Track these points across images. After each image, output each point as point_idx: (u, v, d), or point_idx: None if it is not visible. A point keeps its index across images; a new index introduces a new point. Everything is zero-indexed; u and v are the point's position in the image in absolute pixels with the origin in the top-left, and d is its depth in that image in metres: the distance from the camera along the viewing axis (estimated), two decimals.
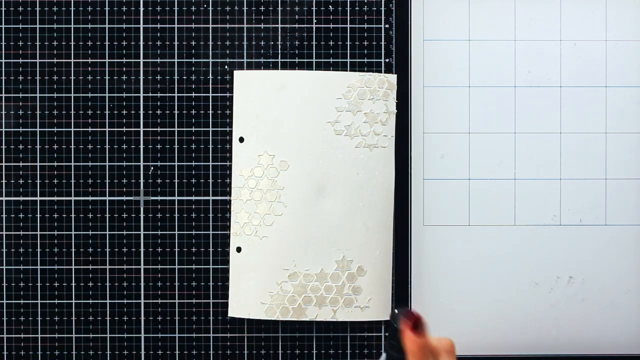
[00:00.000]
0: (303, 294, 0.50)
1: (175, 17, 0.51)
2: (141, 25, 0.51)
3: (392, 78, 0.50)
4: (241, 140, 0.50)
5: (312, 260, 0.50)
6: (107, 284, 0.51)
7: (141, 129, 0.51)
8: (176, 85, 0.51)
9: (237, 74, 0.50)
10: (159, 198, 0.51)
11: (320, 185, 0.50)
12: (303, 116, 0.49)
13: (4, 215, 0.50)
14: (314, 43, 0.51)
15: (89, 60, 0.51)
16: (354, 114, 0.50)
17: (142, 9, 0.51)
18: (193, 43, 0.51)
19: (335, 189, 0.50)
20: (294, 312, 0.50)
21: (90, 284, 0.51)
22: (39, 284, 0.50)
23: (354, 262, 0.50)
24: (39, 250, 0.50)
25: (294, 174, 0.50)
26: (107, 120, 0.51)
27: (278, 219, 0.49)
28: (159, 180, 0.51)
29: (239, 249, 0.50)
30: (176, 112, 0.51)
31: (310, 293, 0.50)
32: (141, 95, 0.51)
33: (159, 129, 0.51)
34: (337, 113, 0.49)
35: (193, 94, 0.51)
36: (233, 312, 0.50)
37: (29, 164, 0.51)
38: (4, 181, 0.51)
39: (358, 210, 0.49)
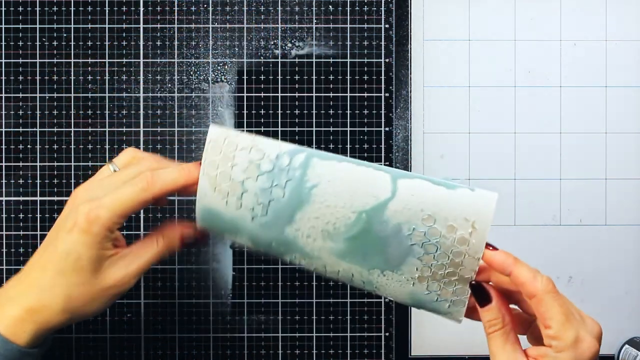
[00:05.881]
0: None
1: (175, 17, 0.51)
2: (141, 25, 0.51)
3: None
4: None
5: None
6: None
7: (141, 129, 0.51)
8: (176, 85, 0.51)
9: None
10: None
11: None
12: None
13: (4, 215, 0.50)
14: (314, 43, 0.51)
15: (89, 60, 0.51)
16: None
17: (142, 9, 0.51)
18: (193, 43, 0.51)
19: None
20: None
21: None
22: None
23: None
24: None
25: None
26: (107, 120, 0.51)
27: None
28: None
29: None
30: (176, 112, 0.51)
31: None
32: (141, 95, 0.51)
33: (159, 129, 0.51)
34: None
35: (193, 94, 0.51)
36: None
37: (29, 164, 0.51)
38: (4, 181, 0.51)
39: None
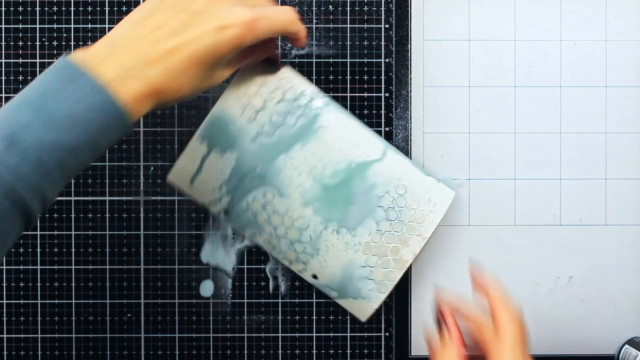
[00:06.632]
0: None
1: None
2: None
3: None
4: None
5: None
6: (107, 284, 0.51)
7: (141, 129, 0.51)
8: None
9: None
10: (159, 198, 0.51)
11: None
12: None
13: None
14: (314, 43, 0.51)
15: None
16: None
17: None
18: None
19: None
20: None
21: (90, 284, 0.51)
22: (39, 284, 0.50)
23: None
24: (39, 250, 0.50)
25: None
26: None
27: None
28: (159, 180, 0.51)
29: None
30: (176, 112, 0.51)
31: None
32: None
33: (159, 129, 0.51)
34: None
35: None
36: None
37: None
38: None
39: None
